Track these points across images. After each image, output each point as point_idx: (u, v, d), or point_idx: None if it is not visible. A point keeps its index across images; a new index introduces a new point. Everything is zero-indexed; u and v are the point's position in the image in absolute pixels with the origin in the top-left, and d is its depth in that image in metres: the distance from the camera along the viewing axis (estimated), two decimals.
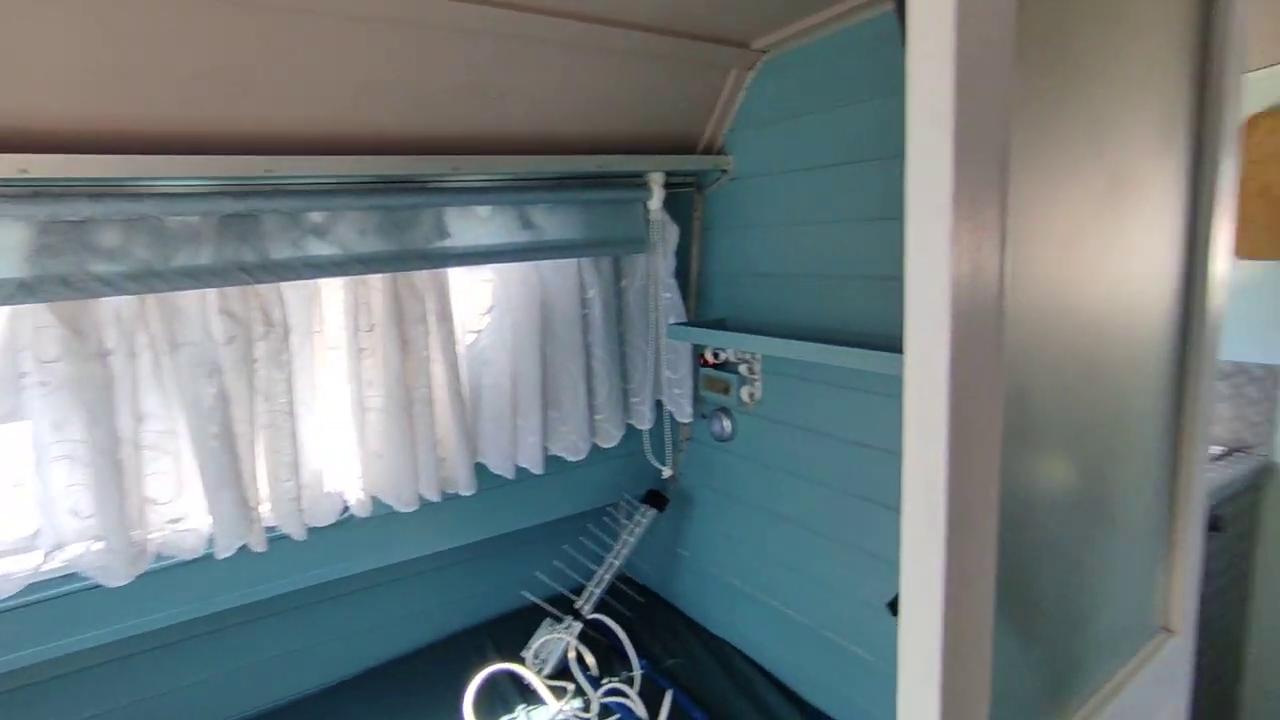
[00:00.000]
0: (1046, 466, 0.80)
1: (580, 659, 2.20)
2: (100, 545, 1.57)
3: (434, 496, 1.97)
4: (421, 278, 1.86)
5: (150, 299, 1.56)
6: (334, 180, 1.64)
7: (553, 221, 1.98)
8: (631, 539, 2.38)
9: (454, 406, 1.94)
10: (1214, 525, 1.94)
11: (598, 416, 2.21)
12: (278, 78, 1.44)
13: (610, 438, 2.26)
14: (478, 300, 2.09)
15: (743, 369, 2.17)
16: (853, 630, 1.94)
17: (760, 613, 2.23)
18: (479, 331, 2.09)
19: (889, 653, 1.84)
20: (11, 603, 1.58)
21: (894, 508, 1.78)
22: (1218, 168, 0.96)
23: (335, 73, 1.49)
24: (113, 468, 1.54)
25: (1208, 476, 1.04)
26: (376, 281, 1.81)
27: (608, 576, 2.36)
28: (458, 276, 2.02)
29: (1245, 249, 2.08)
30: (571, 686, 2.11)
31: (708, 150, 2.18)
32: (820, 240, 1.90)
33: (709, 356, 2.26)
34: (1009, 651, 0.70)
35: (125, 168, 1.36)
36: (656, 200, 2.10)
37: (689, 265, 2.34)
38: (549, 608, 2.37)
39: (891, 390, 1.74)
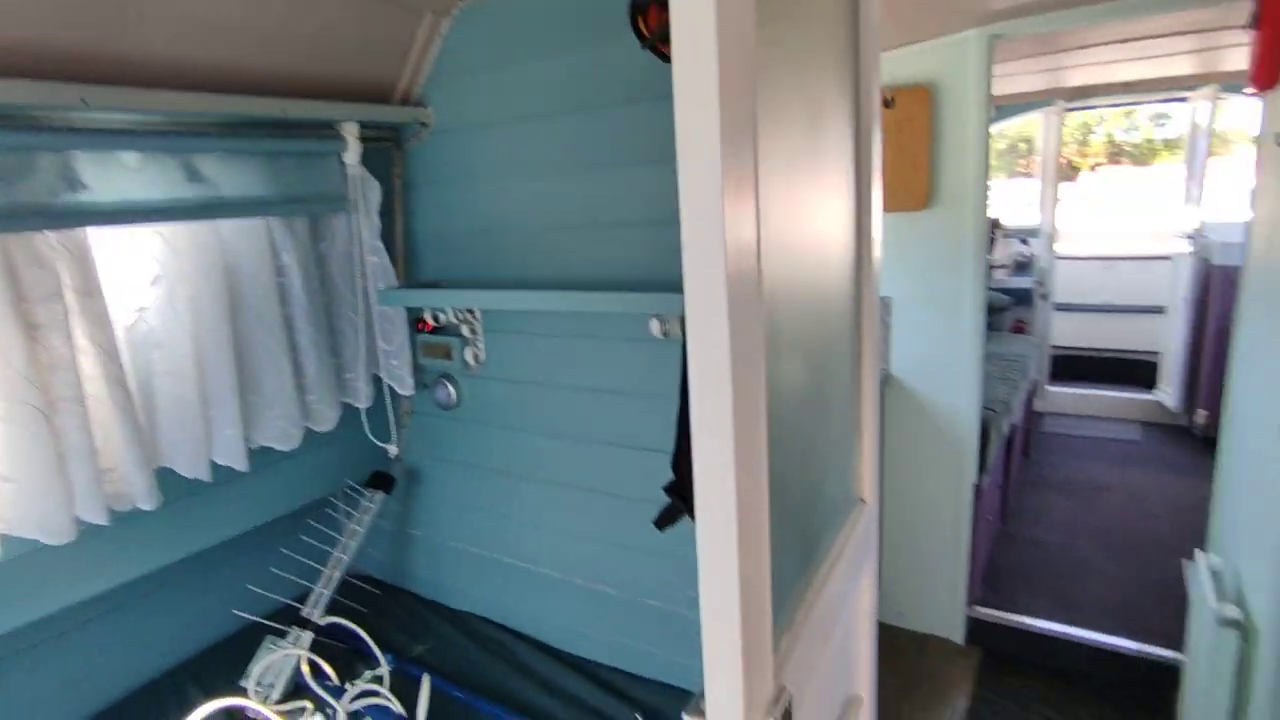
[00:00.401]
0: (787, 379, 0.92)
1: (317, 671, 1.97)
2: None
3: (99, 518, 1.58)
4: (49, 242, 1.45)
5: None
6: None
7: (229, 175, 1.69)
8: (360, 529, 2.18)
9: (116, 403, 1.57)
10: None
11: (309, 397, 1.97)
12: None
13: (325, 420, 2.03)
14: (141, 271, 1.70)
15: (464, 330, 2.10)
16: (600, 571, 2.03)
17: (507, 576, 2.22)
18: (144, 309, 1.70)
19: (637, 587, 1.98)
20: None
21: (630, 446, 1.90)
22: (870, 136, 1.17)
23: None
24: None
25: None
26: None
27: (337, 574, 2.14)
28: (110, 241, 1.62)
29: (887, 204, 2.61)
30: (309, 704, 1.88)
31: (405, 101, 2.04)
32: (532, 193, 1.91)
33: (427, 321, 2.14)
34: (776, 530, 0.80)
35: None
36: (353, 153, 1.91)
37: (394, 226, 2.18)
38: (270, 623, 2.07)
39: (617, 333, 1.84)
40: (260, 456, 1.93)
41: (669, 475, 1.35)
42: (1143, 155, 8.93)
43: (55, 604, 1.68)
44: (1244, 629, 1.65)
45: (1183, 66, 3.95)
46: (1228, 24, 2.70)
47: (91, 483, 1.54)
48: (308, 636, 2.02)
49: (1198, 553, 2.06)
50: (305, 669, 1.95)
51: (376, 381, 2.19)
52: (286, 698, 1.92)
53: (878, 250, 1.20)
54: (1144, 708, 2.37)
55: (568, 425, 1.98)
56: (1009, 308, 4.87)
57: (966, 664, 2.63)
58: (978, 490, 2.69)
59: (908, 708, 2.44)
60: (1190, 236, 4.39)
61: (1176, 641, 2.29)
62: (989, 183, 2.57)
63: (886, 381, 2.75)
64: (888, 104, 2.64)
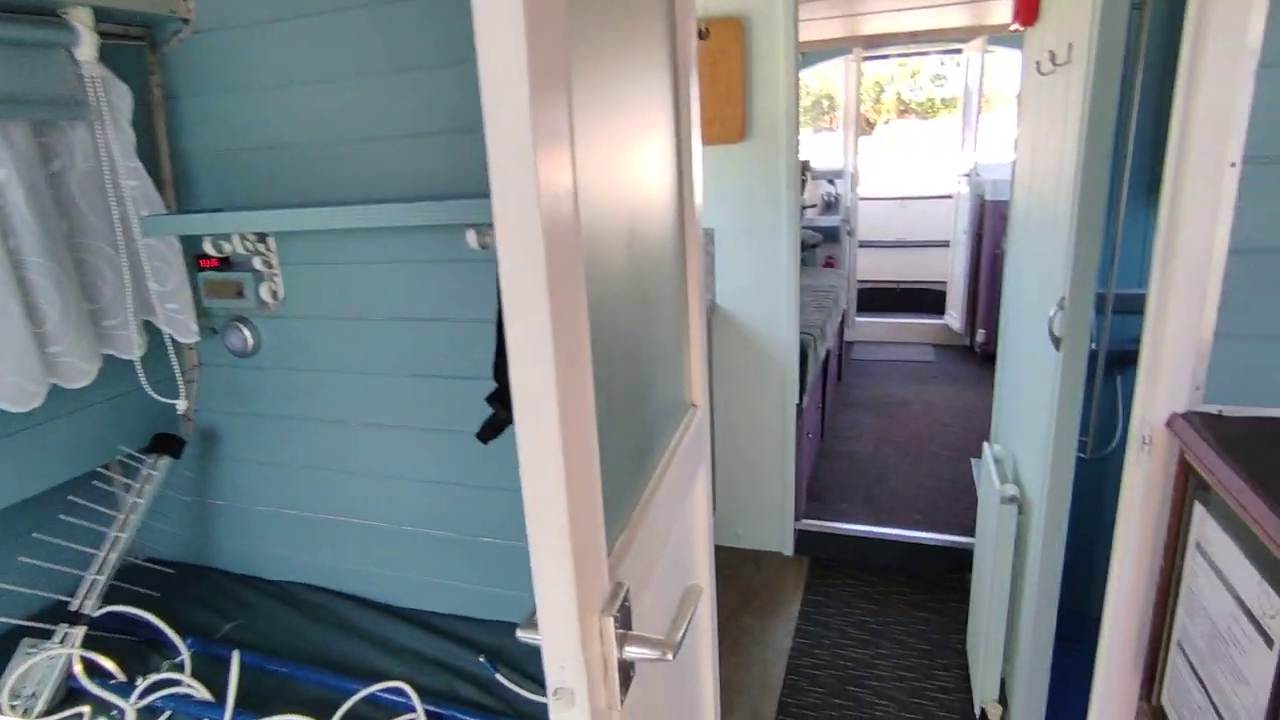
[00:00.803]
0: (612, 290, 0.87)
1: (95, 670, 1.68)
2: None
3: None
4: None
5: None
6: None
7: None
8: (142, 501, 1.88)
9: None
10: None
11: (52, 349, 1.62)
12: None
13: (78, 375, 1.69)
14: None
15: (257, 264, 1.84)
16: (433, 516, 1.90)
17: (330, 536, 2.02)
18: None
19: (474, 526, 1.88)
20: None
21: (456, 377, 1.77)
22: (687, 69, 1.13)
23: None
24: None
25: None
26: None
27: (113, 557, 1.83)
28: None
29: (706, 136, 2.62)
30: (86, 709, 1.61)
31: None
32: (321, 103, 1.69)
33: (210, 254, 1.85)
34: (605, 434, 0.75)
35: None
36: (87, 47, 1.57)
37: (158, 145, 1.84)
38: (31, 624, 1.74)
39: (431, 254, 1.69)
40: None
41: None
42: (926, 111, 9.94)
43: None
44: (1021, 504, 1.87)
45: (958, 18, 4.38)
46: None
47: None
48: (78, 632, 1.72)
49: (984, 445, 2.32)
50: (79, 669, 1.67)
51: (151, 329, 1.87)
52: (57, 706, 1.64)
53: (698, 173, 1.19)
54: (946, 588, 2.67)
55: (386, 361, 1.81)
56: (820, 244, 5.20)
57: (797, 573, 2.82)
58: (800, 411, 2.85)
59: (748, 619, 2.57)
60: (967, 175, 4.91)
61: (970, 530, 2.58)
62: (799, 120, 2.67)
63: (713, 311, 2.81)
64: (702, 35, 2.65)
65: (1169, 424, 1.09)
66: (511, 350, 0.58)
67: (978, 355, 4.85)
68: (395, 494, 1.91)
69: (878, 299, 5.79)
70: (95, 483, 1.90)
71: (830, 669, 2.30)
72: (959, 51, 5.02)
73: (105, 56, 1.62)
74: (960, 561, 2.71)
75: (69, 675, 1.67)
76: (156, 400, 1.88)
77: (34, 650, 1.69)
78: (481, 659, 1.72)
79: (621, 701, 0.70)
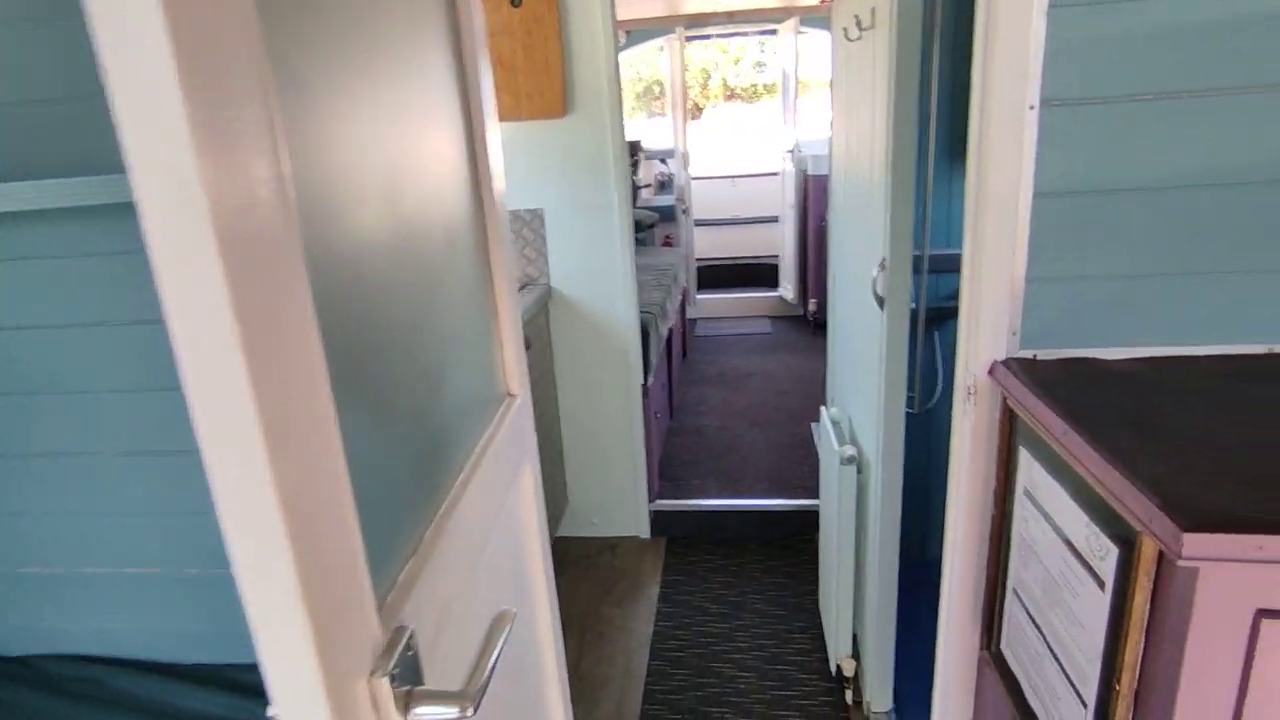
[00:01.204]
0: (387, 295, 0.70)
1: None
2: None
3: None
4: None
5: None
6: None
7: None
8: None
9: None
10: (527, 344, 2.30)
11: None
12: None
13: None
14: None
15: None
16: (178, 551, 1.55)
17: (59, 593, 1.63)
18: None
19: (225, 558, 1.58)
20: None
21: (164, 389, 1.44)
22: (472, 37, 0.97)
23: None
24: None
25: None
26: None
27: None
28: None
29: (525, 110, 2.46)
30: None
31: None
32: None
33: None
34: (371, 448, 0.59)
35: None
36: None
37: None
38: None
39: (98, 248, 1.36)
40: None
41: None
42: (750, 96, 10.37)
43: None
44: (859, 463, 1.91)
45: None
46: None
47: None
48: None
49: (822, 410, 2.36)
50: None
51: None
52: None
53: (496, 149, 1.05)
54: (796, 551, 2.71)
55: (68, 378, 1.45)
56: (657, 223, 5.19)
57: (655, 555, 2.76)
58: (645, 390, 2.79)
59: (608, 609, 2.48)
60: (790, 152, 5.09)
61: (814, 492, 2.64)
62: (622, 92, 2.58)
63: (549, 295, 2.67)
64: (515, 3, 2.49)
65: (991, 372, 1.09)
66: (182, 368, 0.40)
67: (811, 324, 5.06)
68: (122, 533, 1.55)
69: (716, 275, 5.91)
70: None
71: (693, 648, 2.26)
72: (774, 33, 5.18)
73: None
74: (809, 523, 2.77)
75: None
76: None
77: None
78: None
79: None
